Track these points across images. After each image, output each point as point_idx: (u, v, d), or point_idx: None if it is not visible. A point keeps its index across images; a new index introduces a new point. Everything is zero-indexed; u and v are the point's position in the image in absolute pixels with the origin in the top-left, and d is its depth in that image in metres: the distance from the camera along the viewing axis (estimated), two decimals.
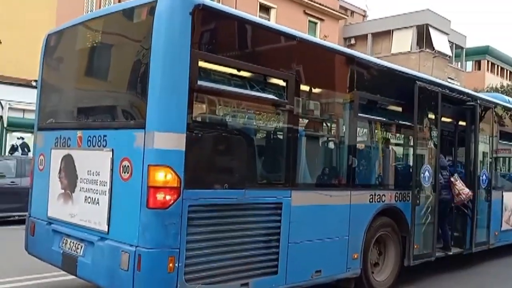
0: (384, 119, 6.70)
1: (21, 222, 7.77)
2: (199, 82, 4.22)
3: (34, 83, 14.45)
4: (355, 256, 5.63)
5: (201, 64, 4.28)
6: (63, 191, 4.94)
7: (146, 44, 4.16)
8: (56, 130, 5.24)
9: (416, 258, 6.48)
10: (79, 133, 4.80)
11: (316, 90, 5.66)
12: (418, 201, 6.45)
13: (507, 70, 43.55)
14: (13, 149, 16.37)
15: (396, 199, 6.23)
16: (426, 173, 6.63)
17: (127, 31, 4.74)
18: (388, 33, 33.07)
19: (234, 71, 4.66)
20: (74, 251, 4.68)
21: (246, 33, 4.86)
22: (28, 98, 14.87)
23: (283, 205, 4.81)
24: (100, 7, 18.98)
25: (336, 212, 5.45)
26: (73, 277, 4.94)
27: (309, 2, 27.61)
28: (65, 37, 5.58)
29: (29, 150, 15.69)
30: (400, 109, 6.74)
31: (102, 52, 5.06)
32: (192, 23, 4.13)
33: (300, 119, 5.24)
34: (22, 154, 15.47)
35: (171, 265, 3.93)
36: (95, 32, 5.11)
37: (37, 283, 6.02)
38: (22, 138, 16.49)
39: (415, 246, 6.42)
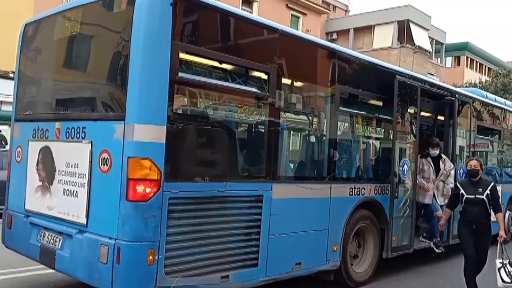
0: (365, 112, 6.76)
1: None
2: (180, 74, 4.20)
3: (11, 75, 14.16)
4: (335, 249, 5.69)
5: (182, 55, 4.26)
6: (41, 183, 4.87)
7: (126, 35, 4.11)
8: (33, 121, 5.15)
9: (395, 250, 6.58)
10: (57, 124, 4.73)
11: (297, 84, 5.67)
12: (396, 194, 6.54)
13: (485, 66, 44.28)
14: None
15: (376, 192, 6.31)
16: (405, 166, 6.72)
17: (107, 21, 4.67)
18: (369, 28, 33.27)
19: (216, 63, 4.64)
20: (52, 244, 4.62)
21: (228, 25, 4.84)
22: (5, 89, 14.56)
23: (264, 198, 4.83)
24: None
25: (316, 205, 5.49)
26: (52, 270, 4.89)
27: None
28: (43, 27, 5.47)
29: (6, 143, 15.34)
30: (380, 103, 6.82)
31: (81, 42, 4.98)
32: (173, 14, 4.10)
33: (282, 112, 5.24)
34: None
35: (150, 257, 3.92)
36: (74, 22, 5.02)
37: (14, 277, 5.93)
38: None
39: (393, 239, 6.53)
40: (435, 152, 7.46)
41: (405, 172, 6.72)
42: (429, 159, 7.46)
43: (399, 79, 6.63)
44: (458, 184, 6.11)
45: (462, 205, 5.88)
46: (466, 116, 8.60)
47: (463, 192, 5.81)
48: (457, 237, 7.84)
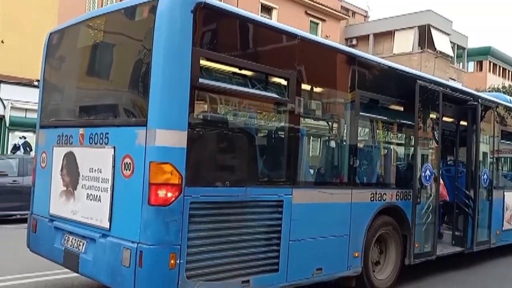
0: (385, 118, 6.72)
1: (23, 221, 7.80)
2: (201, 80, 4.24)
3: (36, 83, 14.50)
4: (356, 255, 5.64)
5: (203, 62, 4.30)
6: (65, 188, 4.96)
7: (148, 42, 4.18)
8: (58, 128, 5.26)
9: (417, 257, 6.48)
10: (81, 130, 4.82)
11: (317, 89, 5.67)
12: (419, 200, 6.46)
13: (509, 71, 43.51)
14: (15, 148, 16.44)
15: (397, 197, 6.24)
16: (427, 172, 6.63)
17: (129, 29, 4.77)
18: (390, 34, 33.06)
19: (236, 69, 4.67)
20: (76, 248, 4.70)
21: (248, 32, 4.87)
22: (31, 97, 14.91)
23: (284, 203, 4.82)
24: (102, 6, 19.03)
25: (337, 210, 5.46)
26: (75, 274, 4.96)
27: (311, 2, 27.63)
28: (67, 35, 5.60)
29: (31, 150, 15.75)
30: (401, 108, 6.75)
31: (104, 50, 5.08)
32: (193, 21, 4.15)
33: (302, 118, 5.24)
34: (24, 153, 15.52)
35: (172, 261, 3.95)
36: (97, 30, 5.13)
37: (38, 280, 6.04)
38: (24, 138, 16.56)
39: (416, 245, 6.43)
40: None
41: (428, 178, 6.63)
42: None
43: (421, 84, 6.57)
44: None
45: None
46: (489, 121, 8.45)
47: None
48: (481, 244, 7.76)
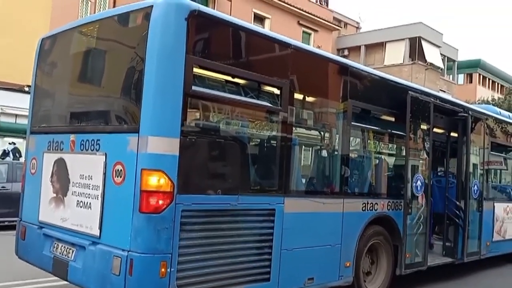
0: (377, 128, 6.74)
1: (11, 227, 7.69)
2: (194, 88, 4.23)
3: (26, 88, 14.43)
4: (348, 264, 5.63)
5: (196, 69, 4.29)
6: (55, 195, 4.90)
7: (141, 49, 4.17)
8: (49, 134, 5.21)
9: (408, 267, 6.48)
10: (72, 137, 4.78)
11: (310, 98, 5.69)
12: (410, 210, 6.47)
13: (498, 84, 44.05)
14: (5, 154, 16.26)
15: (389, 207, 6.25)
16: (418, 182, 6.66)
17: (122, 36, 4.75)
18: (381, 45, 33.35)
19: (229, 78, 4.67)
20: (65, 255, 4.63)
21: (241, 40, 4.88)
22: (21, 103, 14.83)
23: (276, 212, 4.80)
24: (94, 12, 19.02)
25: (329, 220, 5.45)
26: (64, 282, 4.89)
27: (303, 13, 27.83)
28: (59, 41, 5.57)
29: (20, 156, 15.59)
30: (392, 118, 6.79)
31: (97, 56, 5.06)
32: (187, 29, 4.15)
33: (294, 127, 5.24)
34: (13, 159, 15.35)
35: (163, 270, 3.91)
36: (90, 36, 5.11)
37: None
38: (14, 143, 16.40)
39: (407, 255, 6.43)
40: None
41: (419, 188, 6.66)
42: None
43: (412, 95, 6.61)
44: None
45: None
46: (479, 133, 8.52)
47: None
48: (471, 255, 7.79)
